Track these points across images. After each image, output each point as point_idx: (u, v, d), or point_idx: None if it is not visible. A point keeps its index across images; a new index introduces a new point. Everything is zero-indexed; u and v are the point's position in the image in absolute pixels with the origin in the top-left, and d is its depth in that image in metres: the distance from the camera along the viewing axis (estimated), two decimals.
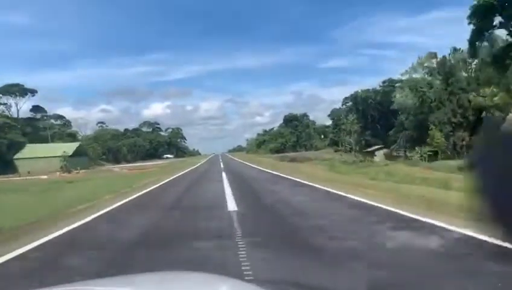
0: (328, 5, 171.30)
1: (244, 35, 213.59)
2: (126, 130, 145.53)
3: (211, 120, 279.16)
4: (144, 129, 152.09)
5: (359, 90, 71.36)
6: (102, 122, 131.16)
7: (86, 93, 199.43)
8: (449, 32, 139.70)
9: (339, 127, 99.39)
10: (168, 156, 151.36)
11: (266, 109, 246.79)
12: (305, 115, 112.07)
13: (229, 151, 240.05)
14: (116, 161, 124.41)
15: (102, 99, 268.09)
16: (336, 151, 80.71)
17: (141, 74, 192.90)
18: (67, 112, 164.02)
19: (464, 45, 43.24)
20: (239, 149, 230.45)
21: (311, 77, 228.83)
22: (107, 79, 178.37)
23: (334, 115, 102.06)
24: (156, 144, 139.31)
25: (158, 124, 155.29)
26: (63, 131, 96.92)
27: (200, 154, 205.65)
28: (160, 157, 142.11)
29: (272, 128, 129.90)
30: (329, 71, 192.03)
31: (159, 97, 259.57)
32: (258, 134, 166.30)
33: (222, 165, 43.73)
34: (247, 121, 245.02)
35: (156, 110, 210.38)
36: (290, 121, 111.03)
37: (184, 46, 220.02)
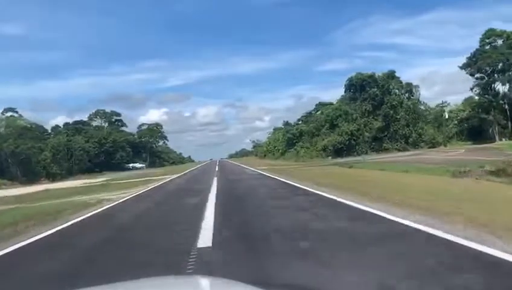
0: (324, 8, 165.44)
1: (242, 40, 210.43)
2: (67, 124, 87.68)
3: (210, 126, 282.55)
4: (96, 123, 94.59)
5: None
6: (12, 109, 73.52)
7: (80, 102, 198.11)
8: (446, 34, 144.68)
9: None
10: (136, 165, 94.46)
11: (266, 114, 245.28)
12: (392, 76, 54.04)
13: (231, 156, 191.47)
14: (31, 177, 68.30)
15: (97, 106, 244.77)
16: None
17: (138, 81, 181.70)
18: (60, 121, 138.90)
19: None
20: (243, 153, 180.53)
21: (310, 81, 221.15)
22: (102, 87, 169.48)
23: (482, 66, 44.60)
24: (110, 145, 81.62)
25: (119, 114, 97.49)
26: None
27: (193, 161, 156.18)
28: (123, 167, 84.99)
29: (310, 113, 72.52)
30: (327, 74, 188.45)
31: (156, 104, 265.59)
32: (275, 129, 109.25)
33: None
34: (247, 125, 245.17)
35: (152, 116, 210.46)
36: (362, 88, 53.38)
37: (181, 52, 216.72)
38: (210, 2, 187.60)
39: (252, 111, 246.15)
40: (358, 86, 54.26)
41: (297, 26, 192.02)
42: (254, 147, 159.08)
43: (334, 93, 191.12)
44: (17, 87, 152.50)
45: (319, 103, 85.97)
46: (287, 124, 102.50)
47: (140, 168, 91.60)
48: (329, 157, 44.76)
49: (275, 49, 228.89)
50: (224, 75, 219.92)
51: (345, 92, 56.40)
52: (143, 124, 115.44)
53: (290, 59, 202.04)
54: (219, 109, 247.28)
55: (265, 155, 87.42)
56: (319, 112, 75.30)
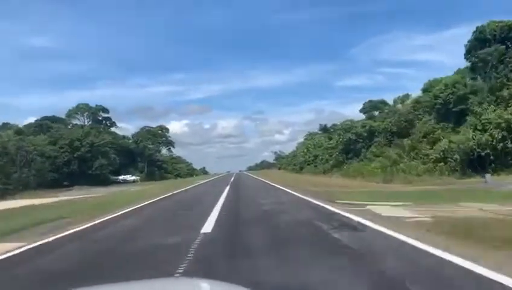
0: (344, 23, 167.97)
1: (262, 54, 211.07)
2: (37, 120, 64.40)
3: (229, 138, 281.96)
4: (78, 121, 71.62)
5: None
6: None
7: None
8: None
9: None
10: (127, 177, 70.99)
11: (285, 127, 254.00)
12: None
13: (250, 168, 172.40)
14: None
15: (118, 118, 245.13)
16: None
17: (159, 94, 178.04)
18: None
19: None
20: (264, 166, 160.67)
21: (329, 95, 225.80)
22: (124, 99, 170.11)
23: None
24: (86, 150, 58.06)
25: (107, 110, 74.21)
26: None
27: (207, 172, 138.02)
28: (108, 180, 61.65)
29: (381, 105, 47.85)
30: (347, 89, 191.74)
31: (177, 116, 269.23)
32: (311, 133, 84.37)
33: None
34: (266, 138, 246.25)
35: (173, 128, 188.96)
36: (503, 46, 28.56)
37: (202, 66, 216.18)
38: (232, 17, 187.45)
39: (271, 124, 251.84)
40: (493, 44, 29.18)
41: (318, 42, 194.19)
42: (276, 158, 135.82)
43: (353, 108, 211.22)
44: (43, 97, 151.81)
45: (369, 100, 60.96)
46: (324, 128, 77.89)
47: (132, 182, 68.23)
48: (487, 176, 19.61)
49: (295, 64, 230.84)
50: (245, 88, 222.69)
51: (465, 56, 31.20)
52: (144, 127, 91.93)
53: (309, 73, 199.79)
54: (239, 121, 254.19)
55: (301, 168, 62.40)
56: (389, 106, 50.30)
